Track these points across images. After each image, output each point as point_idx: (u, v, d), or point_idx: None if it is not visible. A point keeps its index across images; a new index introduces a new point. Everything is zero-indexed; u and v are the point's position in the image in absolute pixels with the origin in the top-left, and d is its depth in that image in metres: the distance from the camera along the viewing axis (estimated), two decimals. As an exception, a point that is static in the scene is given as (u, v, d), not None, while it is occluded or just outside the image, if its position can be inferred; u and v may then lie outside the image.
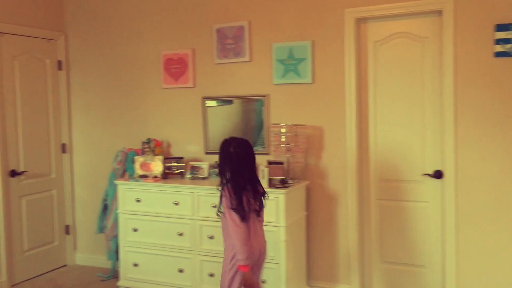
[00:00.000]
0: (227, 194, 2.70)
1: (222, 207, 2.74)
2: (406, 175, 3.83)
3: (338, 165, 3.92)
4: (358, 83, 3.88)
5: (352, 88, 3.84)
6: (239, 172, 2.72)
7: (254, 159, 2.81)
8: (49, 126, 4.80)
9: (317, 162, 3.98)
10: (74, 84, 4.96)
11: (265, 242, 2.87)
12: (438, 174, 3.69)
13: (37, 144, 4.67)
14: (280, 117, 4.04)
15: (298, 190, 3.81)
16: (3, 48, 4.34)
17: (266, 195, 2.85)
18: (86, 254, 4.97)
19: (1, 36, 4.32)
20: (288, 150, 3.83)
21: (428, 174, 3.73)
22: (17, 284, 4.43)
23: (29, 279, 4.55)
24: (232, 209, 2.67)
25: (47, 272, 4.74)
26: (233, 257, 2.72)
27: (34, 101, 4.64)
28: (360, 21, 3.86)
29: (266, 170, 3.61)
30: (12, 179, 4.41)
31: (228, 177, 2.74)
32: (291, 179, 3.82)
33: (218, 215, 2.82)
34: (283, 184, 3.62)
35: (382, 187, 3.93)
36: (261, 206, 2.81)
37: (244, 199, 2.68)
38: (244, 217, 2.66)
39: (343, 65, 3.86)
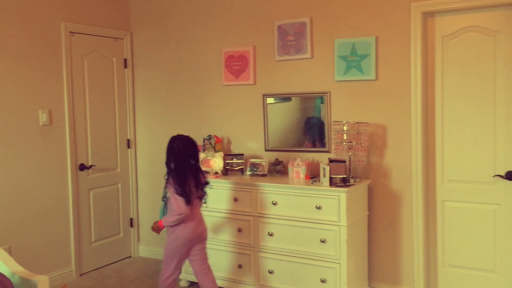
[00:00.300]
0: (172, 182, 3.28)
1: (167, 193, 3.35)
2: (475, 176, 3.66)
3: (402, 164, 3.80)
4: (425, 80, 3.75)
5: (418, 85, 3.71)
6: (181, 165, 3.31)
7: (196, 153, 3.42)
8: (115, 122, 4.97)
9: (379, 161, 3.89)
10: (138, 82, 5.11)
11: (204, 224, 3.53)
12: (510, 176, 3.49)
13: (104, 139, 4.86)
14: (341, 115, 3.97)
15: (360, 189, 3.74)
16: (73, 47, 4.53)
17: (209, 185, 3.48)
18: (148, 247, 5.13)
19: (72, 36, 4.52)
20: (350, 148, 3.76)
21: (500, 175, 3.54)
22: (85, 273, 4.64)
23: (96, 269, 4.76)
24: (178, 194, 3.24)
25: (113, 262, 4.94)
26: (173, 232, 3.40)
27: (102, 98, 4.82)
28: (427, 15, 3.72)
29: (327, 168, 3.56)
30: (81, 172, 4.61)
31: (172, 168, 3.32)
32: (352, 177, 3.76)
33: (163, 200, 3.50)
34: (345, 182, 3.56)
35: (448, 188, 3.78)
36: (204, 194, 3.43)
37: (187, 187, 3.26)
38: (188, 201, 3.27)
39: (408, 61, 3.74)
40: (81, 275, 4.60)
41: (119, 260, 5.01)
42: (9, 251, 3.99)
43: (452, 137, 3.74)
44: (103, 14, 4.82)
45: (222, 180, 4.03)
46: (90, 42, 4.70)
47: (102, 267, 4.81)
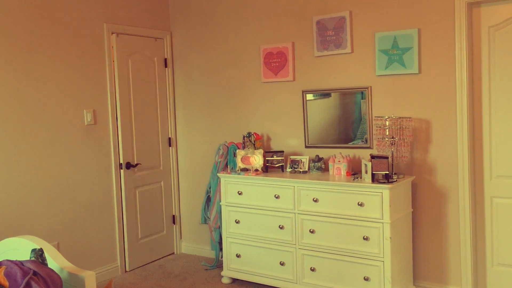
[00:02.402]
0: None
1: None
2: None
3: (448, 160, 3.69)
4: (471, 72, 3.62)
5: (464, 78, 3.59)
6: None
7: None
8: (158, 121, 5.06)
9: (423, 157, 3.79)
10: (177, 81, 5.17)
11: None
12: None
13: (147, 137, 4.95)
14: (382, 110, 3.90)
15: (403, 185, 3.66)
16: (118, 48, 4.64)
17: None
18: (191, 243, 5.19)
19: (117, 37, 4.62)
20: (392, 144, 3.68)
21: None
22: (131, 270, 4.74)
23: (141, 265, 4.85)
24: None
25: (157, 259, 5.02)
26: None
27: (144, 97, 4.91)
28: (473, 5, 3.59)
29: (369, 164, 3.50)
30: (128, 171, 4.71)
31: None
32: (395, 174, 3.68)
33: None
34: (387, 179, 3.49)
35: (497, 184, 3.65)
36: None
37: None
38: None
39: (453, 53, 3.62)
40: (126, 271, 4.70)
41: (162, 257, 5.10)
42: (58, 247, 4.12)
43: (501, 131, 3.60)
44: (144, 15, 4.91)
45: (263, 177, 4.03)
46: (133, 42, 4.79)
47: (146, 264, 4.91)
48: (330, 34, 4.14)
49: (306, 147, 4.38)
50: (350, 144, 4.13)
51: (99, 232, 4.50)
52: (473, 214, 3.68)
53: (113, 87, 4.59)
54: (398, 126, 3.67)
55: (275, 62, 4.49)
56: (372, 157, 3.59)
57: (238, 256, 4.21)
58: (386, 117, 3.72)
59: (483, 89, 3.64)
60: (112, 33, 4.61)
